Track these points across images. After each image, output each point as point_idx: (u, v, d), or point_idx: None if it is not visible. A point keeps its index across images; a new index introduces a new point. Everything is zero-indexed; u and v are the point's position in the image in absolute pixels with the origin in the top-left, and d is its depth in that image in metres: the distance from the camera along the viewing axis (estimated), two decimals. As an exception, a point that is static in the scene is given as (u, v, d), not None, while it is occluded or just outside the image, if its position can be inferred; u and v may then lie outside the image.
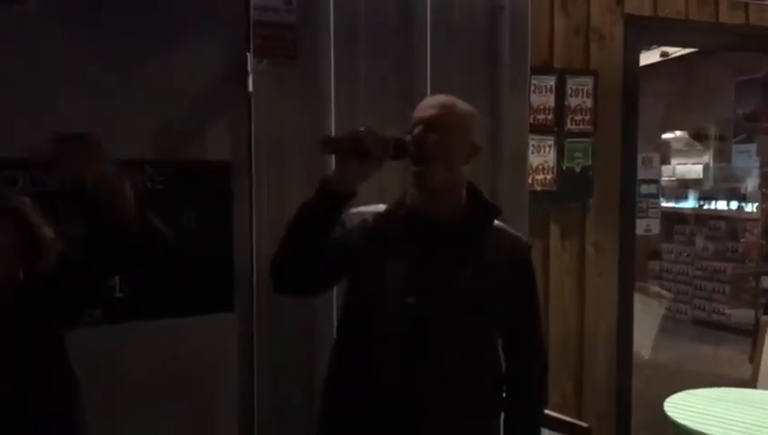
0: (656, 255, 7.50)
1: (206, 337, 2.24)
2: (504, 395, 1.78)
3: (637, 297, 4.09)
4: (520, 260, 1.76)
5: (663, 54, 3.34)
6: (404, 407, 1.63)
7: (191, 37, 2.18)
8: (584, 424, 1.95)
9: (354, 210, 1.75)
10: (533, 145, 3.09)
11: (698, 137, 8.13)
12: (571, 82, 3.19)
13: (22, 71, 1.97)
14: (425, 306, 1.62)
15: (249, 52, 2.25)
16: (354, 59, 2.47)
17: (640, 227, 3.53)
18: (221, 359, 2.26)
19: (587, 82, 3.21)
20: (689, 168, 8.76)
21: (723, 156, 8.05)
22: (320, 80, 2.39)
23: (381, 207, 1.78)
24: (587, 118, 3.23)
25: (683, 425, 2.45)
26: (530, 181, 3.06)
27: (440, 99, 1.74)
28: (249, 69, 2.24)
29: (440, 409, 1.65)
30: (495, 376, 1.76)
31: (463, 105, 1.74)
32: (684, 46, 4.00)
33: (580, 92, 3.21)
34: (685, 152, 8.92)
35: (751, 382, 3.52)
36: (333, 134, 2.26)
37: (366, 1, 2.48)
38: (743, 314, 6.39)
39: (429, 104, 1.72)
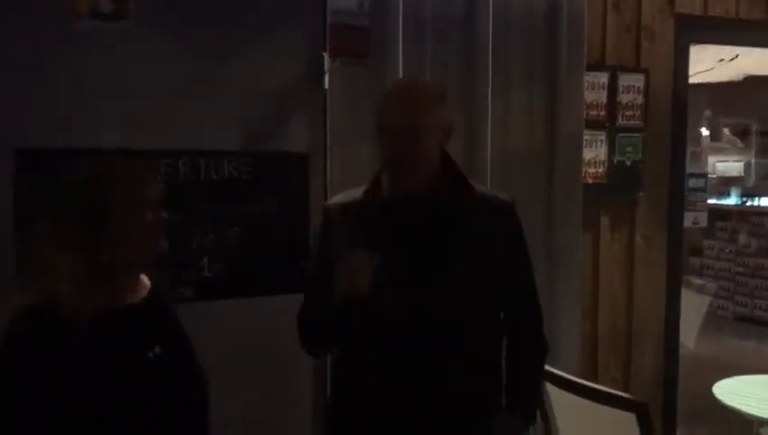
0: (697, 251, 7.51)
1: (285, 315, 2.41)
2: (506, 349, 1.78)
3: (683, 290, 4.18)
4: (503, 222, 1.71)
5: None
6: (407, 398, 1.61)
7: (273, 39, 2.37)
8: (640, 400, 2.07)
9: (332, 203, 1.76)
10: (586, 139, 3.20)
11: (740, 134, 8.10)
12: (623, 79, 3.29)
13: (132, 73, 2.18)
14: (423, 296, 1.59)
15: (325, 52, 2.42)
16: (421, 58, 2.64)
17: (688, 219, 3.62)
18: (295, 337, 2.44)
19: (638, 80, 3.31)
20: (730, 165, 8.72)
21: (764, 154, 8.01)
22: (389, 77, 2.56)
23: (357, 195, 1.70)
24: (637, 114, 3.33)
25: (732, 407, 2.57)
26: (582, 174, 3.19)
27: (412, 96, 1.62)
28: (325, 68, 2.41)
29: (442, 395, 1.63)
30: (497, 357, 1.75)
31: (432, 91, 1.66)
32: (733, 44, 4.07)
33: (632, 89, 3.31)
34: (725, 150, 8.88)
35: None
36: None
37: (432, 5, 2.64)
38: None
39: (401, 108, 1.59)
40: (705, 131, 8.47)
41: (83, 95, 2.15)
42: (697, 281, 4.28)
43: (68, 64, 2.10)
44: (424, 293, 1.60)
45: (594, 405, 2.19)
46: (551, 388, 2.37)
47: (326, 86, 2.42)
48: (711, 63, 4.85)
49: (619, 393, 2.15)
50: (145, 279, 1.55)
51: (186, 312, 2.21)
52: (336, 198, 1.79)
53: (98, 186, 1.43)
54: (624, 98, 3.30)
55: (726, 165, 8.76)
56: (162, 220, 1.47)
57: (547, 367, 2.36)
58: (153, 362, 1.47)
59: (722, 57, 4.75)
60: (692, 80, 5.27)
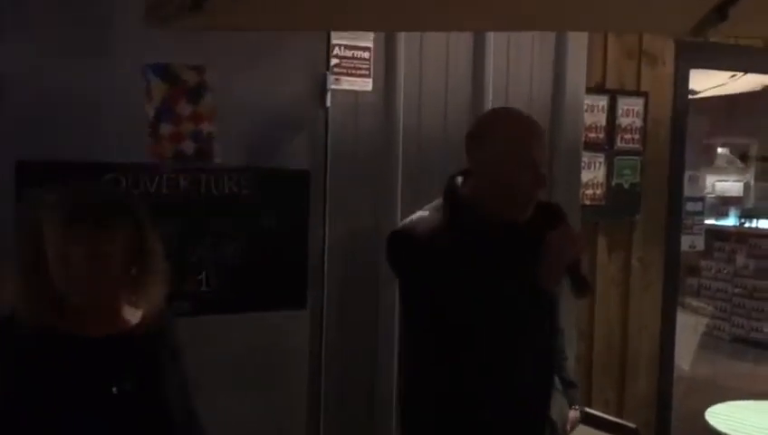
0: (695, 271, 7.52)
1: (281, 331, 2.44)
2: None
3: (679, 311, 4.19)
4: None
5: (691, 92, 3.38)
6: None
7: (276, 57, 2.39)
8: (632, 425, 2.09)
9: (418, 227, 1.69)
10: (584, 161, 3.23)
11: (742, 157, 8.14)
12: (622, 103, 3.32)
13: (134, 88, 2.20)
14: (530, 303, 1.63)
15: (328, 71, 2.45)
16: (422, 76, 2.67)
17: (685, 243, 3.64)
18: (293, 351, 2.46)
19: (637, 103, 3.34)
20: (729, 185, 8.75)
21: (764, 175, 8.04)
22: (390, 97, 2.59)
23: (432, 221, 1.69)
24: (636, 137, 3.36)
25: (723, 433, 2.57)
26: (580, 196, 3.21)
27: (538, 126, 1.71)
28: (328, 86, 2.44)
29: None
30: None
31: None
32: (734, 70, 4.10)
33: (631, 112, 3.34)
34: (725, 170, 8.92)
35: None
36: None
37: (432, 40, 2.67)
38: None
39: (540, 141, 1.69)
40: (720, 150, 8.53)
41: (86, 109, 2.16)
42: (693, 303, 4.29)
43: (68, 78, 2.12)
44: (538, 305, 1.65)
45: (589, 430, 2.21)
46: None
47: (328, 104, 2.45)
48: (725, 78, 4.86)
49: (612, 418, 2.17)
50: (135, 311, 1.50)
51: (183, 326, 2.24)
52: (420, 224, 1.71)
53: (36, 216, 1.41)
54: (623, 121, 3.33)
55: (726, 185, 8.78)
56: (114, 274, 1.42)
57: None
58: (118, 397, 1.42)
59: (734, 73, 4.75)
60: (706, 93, 5.31)
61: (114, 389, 1.42)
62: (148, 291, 1.49)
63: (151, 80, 1.94)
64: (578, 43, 2.96)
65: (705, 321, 4.14)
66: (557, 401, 1.96)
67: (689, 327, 4.23)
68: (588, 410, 2.24)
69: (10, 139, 2.08)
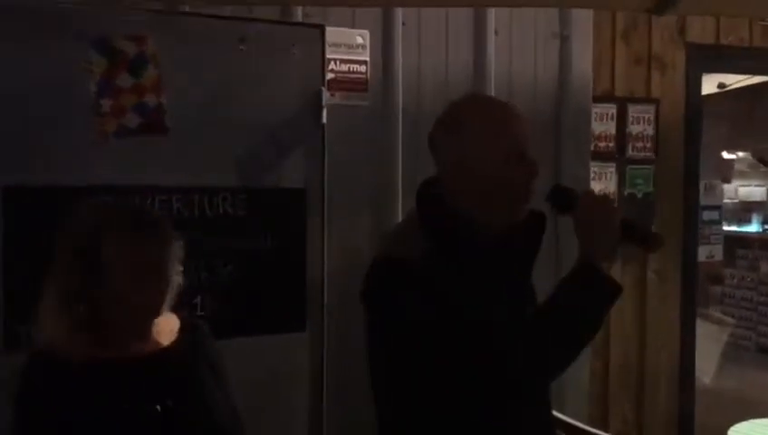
0: (718, 280, 7.33)
1: (280, 354, 2.36)
2: None
3: (698, 322, 4.05)
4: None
5: (720, 86, 3.29)
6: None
7: (271, 73, 2.33)
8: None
9: (403, 256, 1.41)
10: (594, 172, 3.14)
11: (763, 160, 7.94)
12: (633, 110, 3.22)
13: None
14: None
15: (323, 86, 2.38)
16: (420, 90, 2.60)
17: (703, 253, 3.52)
18: (293, 375, 2.39)
19: (648, 110, 3.24)
20: (752, 190, 8.55)
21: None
22: (387, 111, 2.52)
23: (409, 237, 1.45)
24: (648, 145, 3.26)
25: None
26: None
27: (516, 108, 1.47)
28: (323, 102, 2.37)
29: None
30: None
31: None
32: (747, 73, 3.99)
33: (642, 120, 3.24)
34: (747, 174, 8.72)
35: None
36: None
37: (432, 37, 2.61)
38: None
39: (521, 121, 1.45)
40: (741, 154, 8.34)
41: (77, 131, 2.12)
42: (715, 314, 4.15)
43: (61, 100, 2.08)
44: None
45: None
46: None
47: (324, 120, 2.38)
48: (712, 89, 4.75)
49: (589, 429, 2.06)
50: (173, 326, 1.52)
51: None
52: (398, 252, 1.44)
53: (92, 231, 1.40)
54: (634, 129, 3.23)
55: (749, 189, 8.59)
56: (166, 284, 1.43)
57: (556, 413, 2.28)
58: (161, 415, 1.41)
59: (723, 83, 4.63)
60: (738, 84, 5.14)
61: (158, 407, 1.41)
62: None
63: (92, 55, 1.84)
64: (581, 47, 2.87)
65: (728, 331, 3.99)
66: None
67: (712, 338, 4.09)
68: (594, 430, 2.13)
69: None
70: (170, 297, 1.47)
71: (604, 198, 1.48)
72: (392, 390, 1.49)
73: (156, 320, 1.48)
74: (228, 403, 1.58)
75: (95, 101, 1.67)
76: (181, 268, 1.49)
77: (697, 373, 3.75)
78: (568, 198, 1.45)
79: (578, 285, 1.41)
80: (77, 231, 1.43)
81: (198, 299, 2.26)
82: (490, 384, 1.35)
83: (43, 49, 2.01)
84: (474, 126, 1.40)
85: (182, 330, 1.54)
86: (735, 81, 3.26)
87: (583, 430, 2.16)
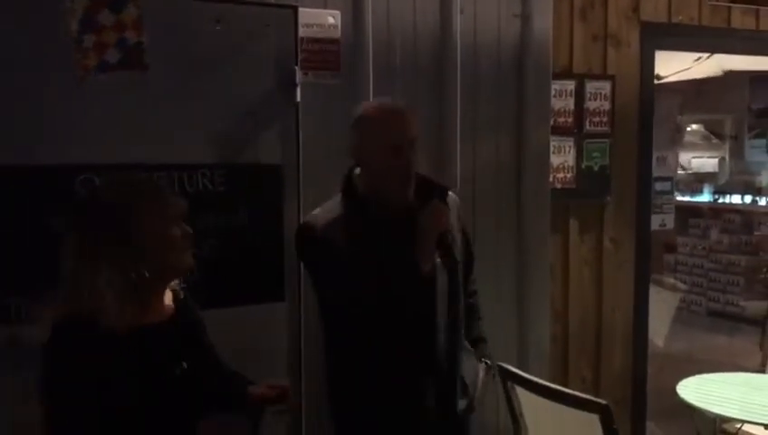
0: (671, 248, 7.65)
1: (259, 324, 2.47)
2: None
3: (652, 288, 4.27)
4: (460, 217, 2.07)
5: (656, 77, 3.49)
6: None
7: (246, 52, 2.41)
8: (602, 401, 2.15)
9: (316, 222, 1.91)
10: (554, 146, 3.29)
11: (715, 133, 8.25)
12: (590, 87, 3.38)
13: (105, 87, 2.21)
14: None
15: (297, 65, 2.47)
16: (390, 69, 2.71)
17: (655, 222, 3.72)
18: (272, 345, 2.50)
19: (605, 87, 3.40)
20: (704, 161, 8.87)
21: (737, 151, 8.17)
22: (359, 89, 2.62)
23: (336, 207, 1.92)
24: (605, 120, 3.42)
25: (694, 405, 2.67)
26: (551, 179, 3.27)
27: (405, 114, 1.88)
28: (297, 81, 2.46)
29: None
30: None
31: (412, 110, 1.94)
32: (697, 51, 4.18)
33: (599, 96, 3.40)
34: (700, 146, 9.03)
35: (761, 370, 3.71)
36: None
37: (401, 18, 2.71)
38: (757, 306, 6.54)
39: (399, 121, 1.86)
40: (694, 126, 8.63)
41: (61, 110, 2.17)
42: (669, 280, 4.39)
43: (44, 80, 2.13)
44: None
45: (561, 407, 2.27)
46: (520, 391, 2.45)
47: (298, 99, 2.47)
48: (689, 63, 4.94)
49: (583, 395, 2.23)
50: (168, 296, 1.63)
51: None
52: (318, 218, 1.93)
53: (124, 202, 1.49)
54: (591, 105, 3.39)
55: (701, 161, 8.90)
56: (187, 234, 1.55)
57: (515, 370, 2.45)
58: (180, 377, 1.54)
59: (699, 56, 4.84)
60: (671, 78, 5.39)
61: (177, 370, 1.53)
62: None
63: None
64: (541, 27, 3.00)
65: (679, 296, 4.23)
66: (471, 364, 2.07)
67: (665, 303, 4.33)
68: (554, 386, 2.30)
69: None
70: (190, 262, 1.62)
71: (440, 211, 1.84)
72: (321, 328, 2.01)
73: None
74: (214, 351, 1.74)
75: (77, 36, 1.71)
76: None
77: (651, 336, 3.98)
78: (426, 197, 1.86)
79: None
80: (110, 210, 1.49)
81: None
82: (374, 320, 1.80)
83: None
84: (365, 124, 1.87)
85: (175, 296, 1.65)
86: (670, 73, 3.48)
87: (535, 383, 2.33)
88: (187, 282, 1.72)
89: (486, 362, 2.14)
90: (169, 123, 2.31)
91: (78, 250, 1.47)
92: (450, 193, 2.05)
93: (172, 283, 1.66)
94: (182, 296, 1.67)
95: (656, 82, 3.73)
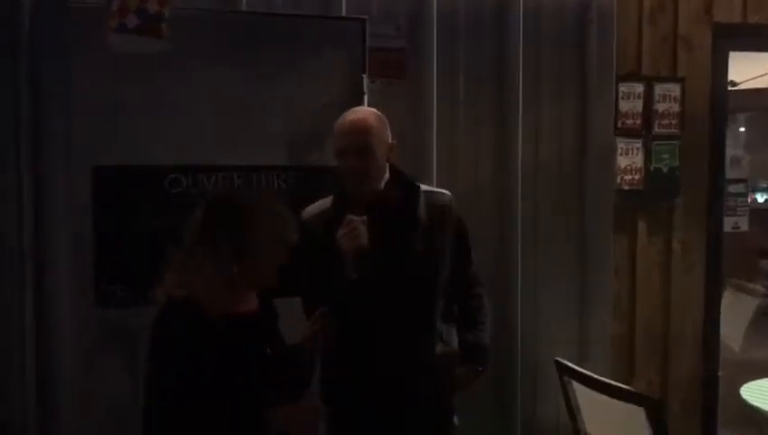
0: (766, 254, 7.33)
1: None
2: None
3: (729, 292, 4.19)
4: (450, 217, 2.16)
5: (731, 84, 3.38)
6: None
7: (318, 63, 2.62)
8: (651, 396, 2.20)
9: (310, 212, 2.16)
10: (622, 147, 3.33)
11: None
12: (659, 89, 3.38)
13: (195, 97, 2.47)
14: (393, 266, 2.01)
15: (365, 74, 2.65)
16: (453, 75, 2.86)
17: (728, 224, 3.66)
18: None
19: (674, 89, 3.39)
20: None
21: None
22: (424, 96, 2.78)
23: (328, 202, 2.16)
24: (674, 122, 3.41)
25: (756, 407, 2.65)
26: (618, 181, 3.31)
27: (358, 123, 2.07)
28: (364, 89, 2.64)
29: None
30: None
31: (373, 117, 2.09)
32: (774, 51, 4.06)
33: (668, 98, 3.40)
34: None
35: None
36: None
37: (464, 26, 2.85)
38: None
39: (348, 130, 2.07)
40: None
41: (153, 118, 2.44)
42: (748, 285, 4.28)
43: (135, 89, 2.40)
44: (392, 264, 2.02)
45: (615, 402, 2.33)
46: (577, 387, 2.52)
47: (365, 105, 2.65)
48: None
49: (631, 389, 2.29)
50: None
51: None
52: (310, 209, 2.21)
53: (251, 207, 1.74)
54: (660, 106, 3.39)
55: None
56: (288, 255, 1.76)
57: (569, 364, 2.53)
58: (269, 359, 1.75)
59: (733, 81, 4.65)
60: (751, 84, 5.22)
61: (268, 350, 1.76)
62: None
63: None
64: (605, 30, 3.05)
65: (756, 302, 4.12)
66: (445, 356, 2.15)
67: (742, 307, 4.21)
68: (605, 379, 2.37)
69: (86, 145, 2.38)
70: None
71: (352, 226, 1.98)
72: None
73: None
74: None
75: (107, 1, 1.93)
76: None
77: (726, 340, 3.91)
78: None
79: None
80: (236, 210, 1.73)
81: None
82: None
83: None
84: (335, 130, 2.12)
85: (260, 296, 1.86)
86: (747, 78, 3.36)
87: (596, 380, 2.39)
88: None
89: (478, 368, 2.21)
90: (248, 129, 2.55)
91: (198, 237, 1.70)
92: (443, 192, 2.20)
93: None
94: (265, 297, 1.88)
95: (731, 88, 3.67)
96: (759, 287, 4.26)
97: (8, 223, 2.42)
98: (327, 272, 1.99)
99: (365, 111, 2.15)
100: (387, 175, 2.11)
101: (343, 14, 2.72)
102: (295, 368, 1.88)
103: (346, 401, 2.11)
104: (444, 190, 2.24)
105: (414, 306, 2.08)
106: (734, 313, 4.07)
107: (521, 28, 2.94)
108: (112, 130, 2.39)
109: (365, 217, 1.97)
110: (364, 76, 2.64)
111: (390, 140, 2.13)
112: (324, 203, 2.19)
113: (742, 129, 9.05)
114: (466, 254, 2.25)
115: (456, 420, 2.23)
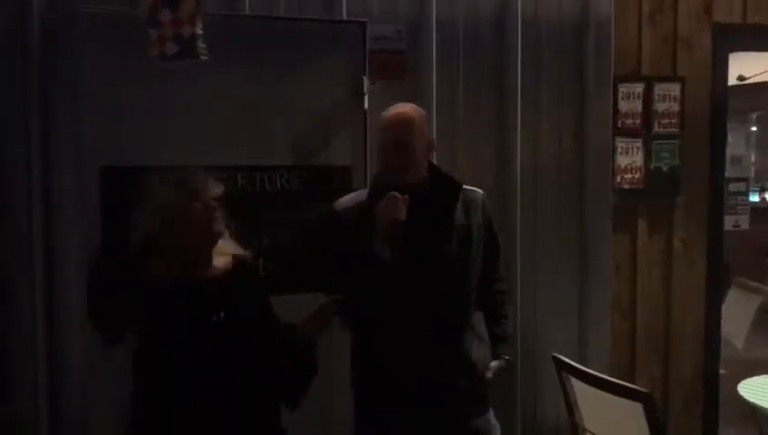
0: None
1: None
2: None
3: (733, 290, 4.20)
4: (483, 213, 2.24)
5: (740, 78, 3.38)
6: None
7: (319, 65, 2.68)
8: (644, 390, 2.24)
9: (344, 204, 2.21)
10: (622, 147, 3.37)
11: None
12: (659, 89, 3.41)
13: (198, 100, 2.53)
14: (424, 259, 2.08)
15: (365, 75, 2.70)
16: (452, 76, 2.90)
17: (729, 223, 3.69)
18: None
19: (674, 88, 3.42)
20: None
21: None
22: (424, 96, 2.83)
23: (364, 194, 2.21)
24: (674, 121, 3.44)
25: (754, 404, 2.68)
26: (618, 180, 3.35)
27: (398, 117, 2.12)
28: (365, 90, 2.69)
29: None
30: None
31: (414, 113, 2.14)
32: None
33: (668, 97, 3.43)
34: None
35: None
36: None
37: (463, 27, 2.90)
38: None
39: (388, 124, 2.11)
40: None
41: (159, 120, 2.51)
42: (751, 283, 4.28)
43: (142, 91, 2.46)
44: (424, 258, 2.08)
45: (612, 398, 2.37)
46: (575, 382, 2.56)
47: (366, 106, 2.70)
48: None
49: (627, 384, 2.32)
50: (227, 258, 1.94)
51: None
52: (344, 201, 2.26)
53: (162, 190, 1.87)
54: (660, 106, 3.43)
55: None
56: (209, 207, 1.87)
57: (567, 360, 2.57)
58: (216, 325, 1.84)
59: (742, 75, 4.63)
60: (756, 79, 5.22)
61: (213, 317, 1.85)
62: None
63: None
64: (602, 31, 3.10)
65: (759, 300, 4.12)
66: (481, 350, 2.22)
67: (744, 305, 4.22)
68: (601, 375, 2.40)
69: (94, 146, 2.45)
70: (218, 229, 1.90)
71: (393, 201, 2.05)
72: None
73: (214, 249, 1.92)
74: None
75: (147, 30, 2.04)
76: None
77: (729, 337, 3.92)
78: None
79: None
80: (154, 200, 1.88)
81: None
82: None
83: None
84: (378, 124, 2.16)
85: (237, 261, 1.97)
86: (757, 72, 3.35)
87: (593, 375, 2.43)
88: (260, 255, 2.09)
89: (505, 358, 2.30)
90: (252, 130, 2.61)
91: (143, 222, 1.85)
92: (475, 189, 2.26)
93: (238, 251, 1.98)
94: (245, 262, 1.99)
95: (740, 83, 3.68)
96: (764, 287, 4.26)
97: (18, 224, 2.49)
98: (360, 260, 2.05)
99: (406, 107, 2.18)
100: (425, 173, 2.17)
101: (344, 17, 2.78)
102: (283, 346, 1.98)
103: (381, 397, 2.16)
104: (475, 187, 2.30)
105: (450, 301, 2.13)
106: (738, 311, 4.08)
107: (518, 33, 2.99)
108: (120, 131, 2.46)
109: (407, 196, 2.03)
110: (365, 77, 2.69)
111: (430, 137, 2.19)
112: (360, 195, 2.24)
113: (753, 128, 9.07)
114: (495, 247, 2.33)
115: (492, 417, 2.29)
